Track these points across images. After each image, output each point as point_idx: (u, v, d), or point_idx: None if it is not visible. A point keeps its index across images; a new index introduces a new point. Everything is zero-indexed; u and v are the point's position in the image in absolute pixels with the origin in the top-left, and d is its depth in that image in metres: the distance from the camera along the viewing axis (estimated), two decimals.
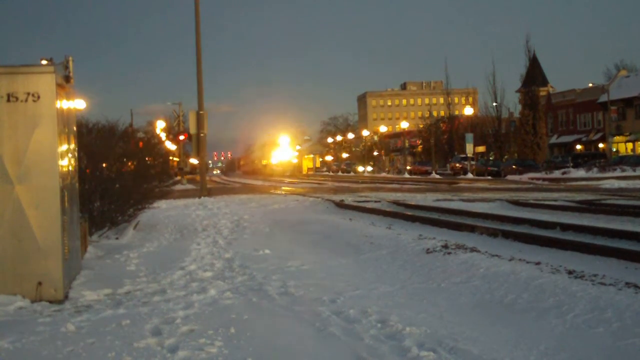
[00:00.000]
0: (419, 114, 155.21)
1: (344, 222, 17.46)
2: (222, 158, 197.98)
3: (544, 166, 65.17)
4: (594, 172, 52.77)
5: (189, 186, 45.35)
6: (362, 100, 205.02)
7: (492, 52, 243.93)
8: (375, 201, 25.59)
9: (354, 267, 11.12)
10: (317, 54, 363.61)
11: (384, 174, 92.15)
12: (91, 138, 15.91)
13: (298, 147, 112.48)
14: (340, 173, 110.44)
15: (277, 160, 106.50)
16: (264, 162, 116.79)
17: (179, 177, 51.36)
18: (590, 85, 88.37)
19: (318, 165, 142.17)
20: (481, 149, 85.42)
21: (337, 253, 12.64)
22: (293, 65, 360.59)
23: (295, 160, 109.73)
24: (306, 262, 11.56)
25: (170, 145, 68.60)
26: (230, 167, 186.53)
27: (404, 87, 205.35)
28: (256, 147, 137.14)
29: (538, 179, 52.47)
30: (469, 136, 73.84)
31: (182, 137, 60.37)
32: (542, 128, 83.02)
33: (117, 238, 15.69)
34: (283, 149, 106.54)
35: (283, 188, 43.42)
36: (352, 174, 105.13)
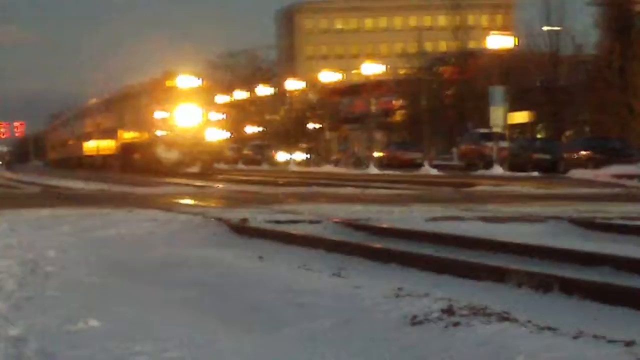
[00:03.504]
0: (398, 47, 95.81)
1: (248, 264, 11.73)
2: (4, 136, 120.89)
3: None
4: None
5: None
6: (286, 20, 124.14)
7: None
8: (312, 220, 17.81)
9: (266, 354, 7.40)
10: None
11: (329, 167, 61.84)
12: None
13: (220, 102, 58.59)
14: (241, 165, 70.78)
15: (171, 129, 46.86)
16: (124, 137, 54.39)
17: None
18: None
19: None
20: (522, 116, 55.10)
21: (235, 325, 8.36)
22: None
23: (221, 135, 50.14)
24: (173, 345, 7.43)
25: None
26: (22, 153, 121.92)
27: None
28: (90, 107, 71.10)
29: (631, 176, 41.34)
30: (497, 91, 52.93)
31: None
32: None
33: None
34: (187, 102, 46.93)
35: (127, 193, 27.73)
36: (265, 166, 69.48)
